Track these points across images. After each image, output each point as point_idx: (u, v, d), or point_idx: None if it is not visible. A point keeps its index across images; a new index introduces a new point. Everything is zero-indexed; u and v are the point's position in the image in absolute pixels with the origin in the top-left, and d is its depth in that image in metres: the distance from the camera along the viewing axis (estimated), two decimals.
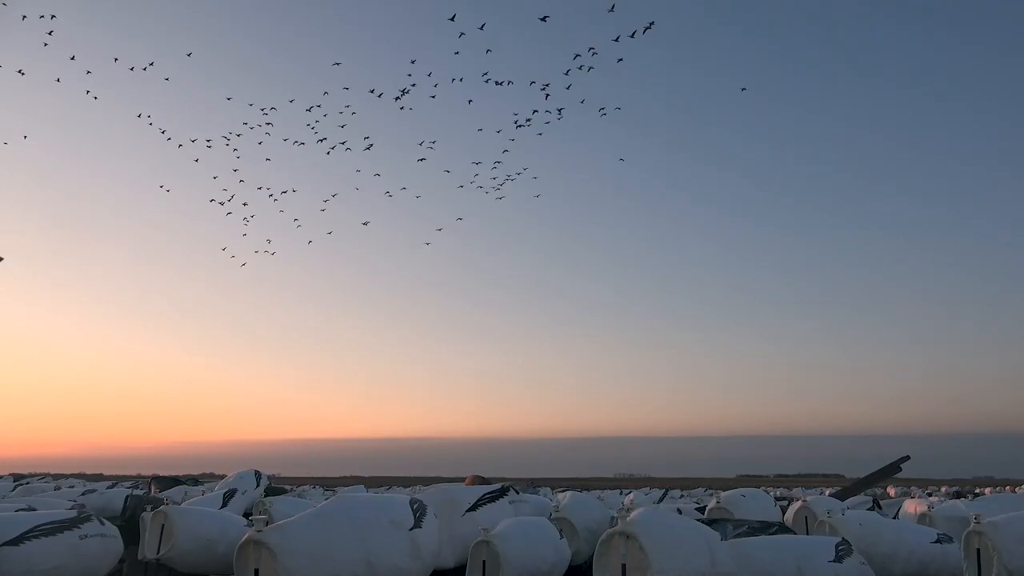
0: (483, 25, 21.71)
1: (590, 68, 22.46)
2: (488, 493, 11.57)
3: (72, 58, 26.20)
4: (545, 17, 22.35)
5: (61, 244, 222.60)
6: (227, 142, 27.46)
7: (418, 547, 8.31)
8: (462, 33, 21.76)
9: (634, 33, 21.59)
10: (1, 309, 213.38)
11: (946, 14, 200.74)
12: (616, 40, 21.82)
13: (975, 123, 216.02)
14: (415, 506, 8.72)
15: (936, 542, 11.12)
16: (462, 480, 23.13)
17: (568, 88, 23.27)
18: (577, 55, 22.43)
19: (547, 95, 23.87)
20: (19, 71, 27.30)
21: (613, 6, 21.15)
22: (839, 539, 9.47)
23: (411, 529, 8.36)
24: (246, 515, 14.03)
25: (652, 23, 21.11)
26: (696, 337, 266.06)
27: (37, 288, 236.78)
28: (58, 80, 30.15)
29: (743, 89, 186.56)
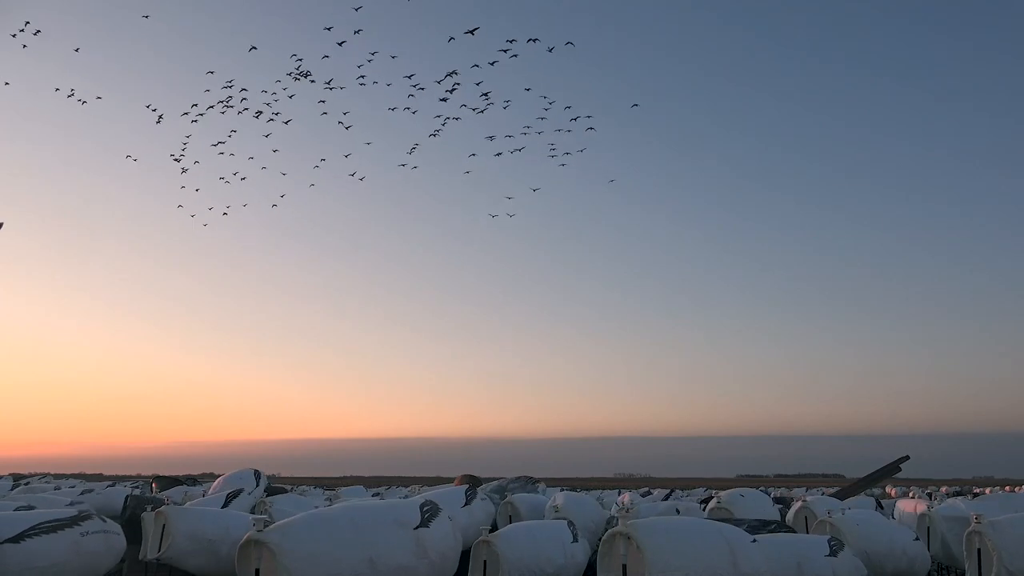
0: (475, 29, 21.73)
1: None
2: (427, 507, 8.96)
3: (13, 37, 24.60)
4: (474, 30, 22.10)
5: (58, 243, 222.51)
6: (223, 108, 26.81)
7: (424, 546, 8.23)
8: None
9: (508, 50, 21.85)
10: (1, 308, 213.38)
11: (947, 13, 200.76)
12: (508, 48, 21.95)
13: (976, 122, 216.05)
14: (425, 507, 8.65)
15: (915, 540, 11.55)
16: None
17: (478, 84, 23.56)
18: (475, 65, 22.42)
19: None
20: None
21: (475, 29, 21.55)
22: (829, 536, 9.95)
23: (416, 528, 8.30)
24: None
25: (536, 39, 21.87)
26: (696, 337, 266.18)
27: (36, 287, 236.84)
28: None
29: (634, 105, 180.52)
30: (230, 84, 26.48)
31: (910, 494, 34.29)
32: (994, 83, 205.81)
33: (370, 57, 25.19)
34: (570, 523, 11.01)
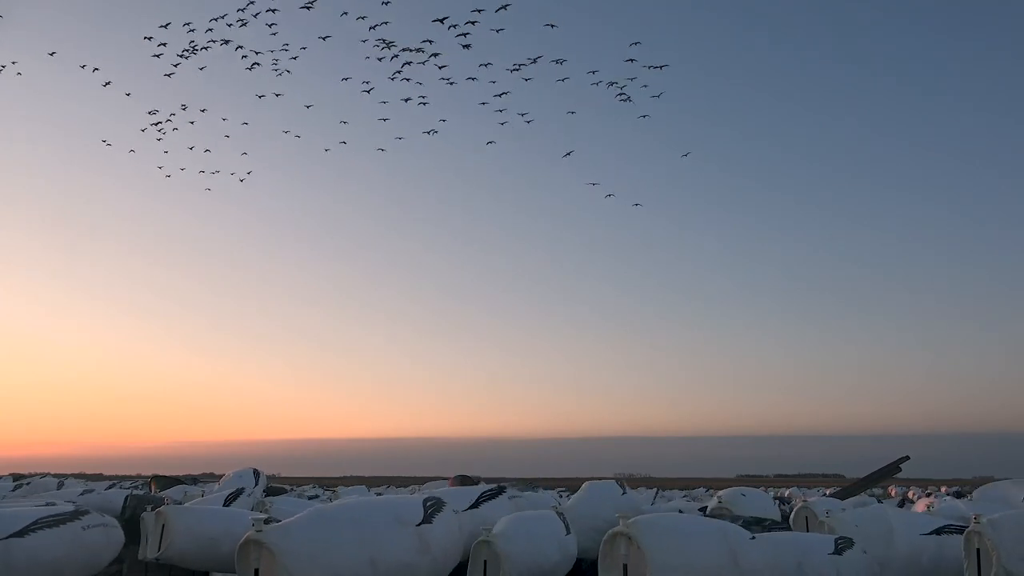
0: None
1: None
2: (488, 491, 11.74)
3: None
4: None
5: (58, 241, 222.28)
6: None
7: (427, 543, 8.22)
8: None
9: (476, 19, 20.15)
10: (1, 308, 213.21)
11: (948, 12, 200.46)
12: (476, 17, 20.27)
13: (976, 122, 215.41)
14: (428, 502, 8.66)
15: (933, 532, 10.89)
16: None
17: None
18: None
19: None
20: None
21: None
22: (839, 535, 9.68)
23: (419, 524, 8.29)
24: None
25: (508, 4, 20.26)
26: (696, 337, 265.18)
27: (36, 287, 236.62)
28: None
29: (685, 154, 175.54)
30: (191, 43, 24.17)
31: (910, 494, 34.27)
32: (995, 83, 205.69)
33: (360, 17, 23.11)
34: (561, 515, 11.02)
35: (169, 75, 24.77)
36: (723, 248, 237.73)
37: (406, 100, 24.87)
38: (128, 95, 29.42)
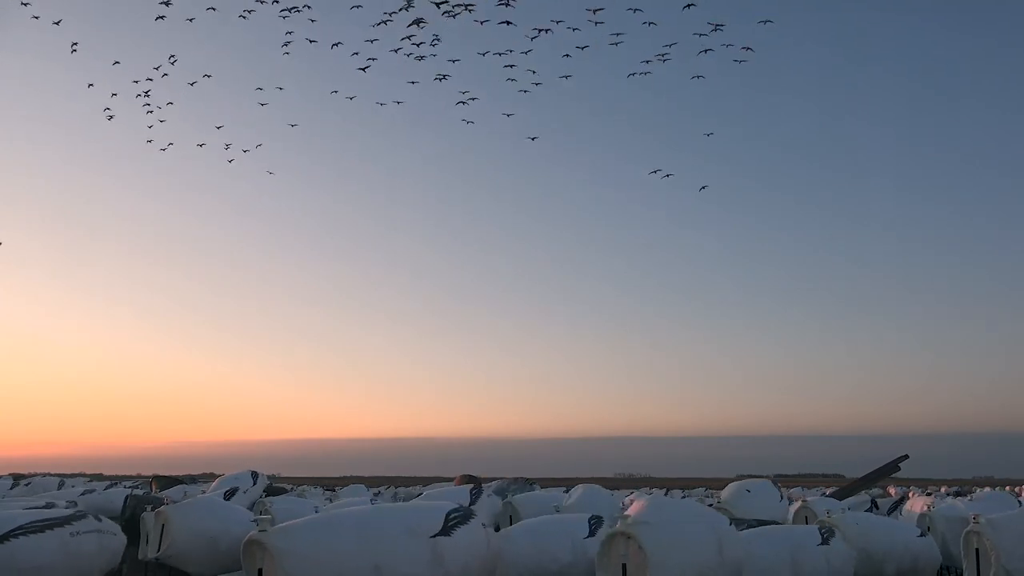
0: None
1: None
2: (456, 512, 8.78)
3: None
4: None
5: (59, 240, 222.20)
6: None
7: (441, 555, 7.78)
8: None
9: None
10: (1, 308, 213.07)
11: (950, 11, 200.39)
12: None
13: (978, 122, 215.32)
14: (452, 513, 8.15)
15: (920, 536, 11.60)
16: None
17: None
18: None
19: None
20: None
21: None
22: (819, 524, 10.16)
23: (434, 536, 7.83)
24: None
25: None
26: (696, 337, 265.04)
27: (36, 287, 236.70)
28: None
29: (709, 134, 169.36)
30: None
31: (910, 494, 34.29)
32: (996, 82, 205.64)
33: None
34: (592, 517, 10.58)
35: (159, 18, 22.86)
36: (723, 248, 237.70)
37: (420, 58, 22.72)
38: (116, 63, 27.99)
